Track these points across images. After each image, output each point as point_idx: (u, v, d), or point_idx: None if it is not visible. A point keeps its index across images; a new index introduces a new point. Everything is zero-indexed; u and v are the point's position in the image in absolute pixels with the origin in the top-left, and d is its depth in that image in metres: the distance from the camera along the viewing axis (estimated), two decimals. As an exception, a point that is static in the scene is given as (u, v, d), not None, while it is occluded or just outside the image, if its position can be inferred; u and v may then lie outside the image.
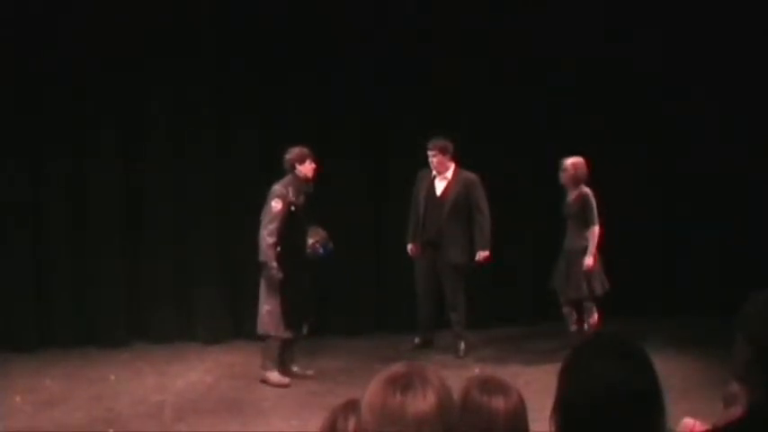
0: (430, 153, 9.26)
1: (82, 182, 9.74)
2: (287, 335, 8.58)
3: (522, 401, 2.89)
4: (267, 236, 8.38)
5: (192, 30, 9.83)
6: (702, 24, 10.26)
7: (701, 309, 10.11)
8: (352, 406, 2.89)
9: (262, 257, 8.43)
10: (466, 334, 9.48)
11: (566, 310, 9.22)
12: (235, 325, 9.65)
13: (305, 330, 8.75)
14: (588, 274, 9.00)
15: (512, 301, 10.42)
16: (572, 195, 9.11)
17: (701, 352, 9.04)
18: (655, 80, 10.33)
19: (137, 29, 9.53)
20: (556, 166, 9.14)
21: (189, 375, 8.99)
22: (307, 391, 8.46)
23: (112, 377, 8.90)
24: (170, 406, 8.17)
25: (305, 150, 8.54)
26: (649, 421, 2.36)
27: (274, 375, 8.62)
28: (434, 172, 9.34)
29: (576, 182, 9.07)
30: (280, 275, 8.39)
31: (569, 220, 9.16)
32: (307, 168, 8.51)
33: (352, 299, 10.11)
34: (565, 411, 2.37)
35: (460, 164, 9.35)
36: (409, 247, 9.48)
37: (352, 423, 2.84)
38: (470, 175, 9.33)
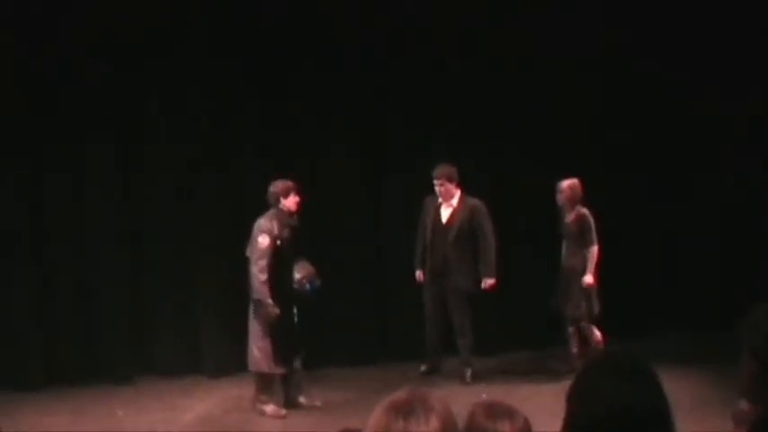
0: (436, 182, 9.20)
1: (80, 194, 9.58)
2: (279, 371, 8.51)
3: (528, 425, 2.89)
4: (259, 273, 8.25)
5: (192, 30, 9.79)
6: (702, 24, 10.24)
7: (705, 324, 10.02)
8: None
9: (255, 295, 8.31)
10: (473, 360, 9.41)
11: (570, 330, 9.20)
12: (241, 357, 9.06)
13: (297, 364, 8.63)
14: (588, 292, 8.99)
15: (519, 326, 10.10)
16: (570, 216, 9.12)
17: (708, 368, 8.94)
18: (655, 80, 10.31)
19: (137, 29, 9.49)
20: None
21: (196, 408, 8.89)
22: (314, 421, 8.37)
23: (120, 413, 8.78)
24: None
25: (289, 184, 8.43)
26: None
27: (270, 407, 8.57)
28: (440, 199, 9.30)
29: (573, 203, 9.07)
30: (276, 312, 8.28)
31: (567, 240, 9.18)
32: (290, 202, 8.38)
33: (355, 327, 9.91)
34: (573, 432, 2.38)
35: (465, 190, 9.29)
36: (417, 273, 9.44)
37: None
38: (476, 202, 9.28)
